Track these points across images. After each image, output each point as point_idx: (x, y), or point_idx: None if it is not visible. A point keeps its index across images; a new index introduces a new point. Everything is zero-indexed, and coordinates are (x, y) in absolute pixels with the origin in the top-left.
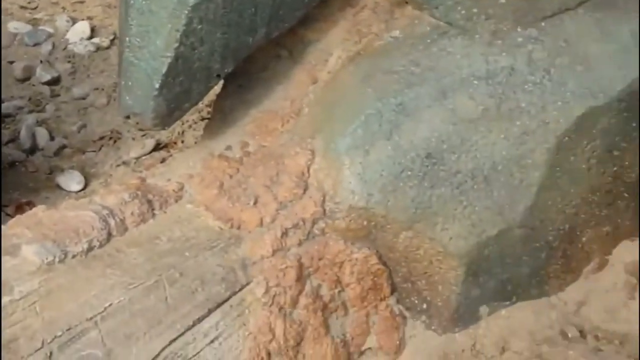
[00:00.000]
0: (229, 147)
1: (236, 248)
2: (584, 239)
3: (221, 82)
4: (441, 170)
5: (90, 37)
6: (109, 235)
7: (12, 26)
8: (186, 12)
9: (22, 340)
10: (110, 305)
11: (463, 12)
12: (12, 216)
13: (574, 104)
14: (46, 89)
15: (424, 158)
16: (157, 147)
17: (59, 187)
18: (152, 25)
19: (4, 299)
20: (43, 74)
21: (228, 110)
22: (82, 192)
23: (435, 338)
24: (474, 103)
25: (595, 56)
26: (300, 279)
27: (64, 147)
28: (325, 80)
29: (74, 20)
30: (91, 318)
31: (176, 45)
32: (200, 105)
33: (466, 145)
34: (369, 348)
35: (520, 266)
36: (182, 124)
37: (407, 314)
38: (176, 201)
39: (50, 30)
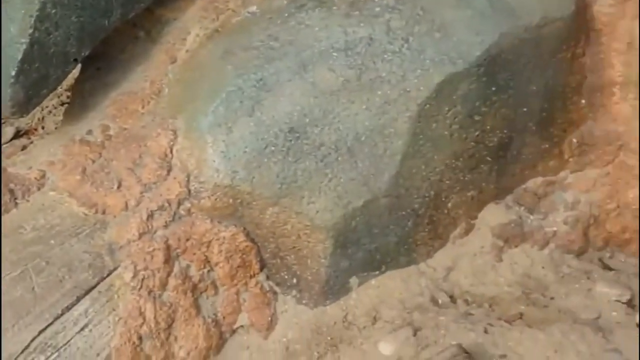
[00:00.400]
0: (90, 132)
1: (102, 233)
2: (449, 204)
3: (79, 65)
4: (305, 144)
5: None
6: None
7: None
8: None
9: None
10: None
11: None
12: None
13: (434, 71)
14: None
15: (287, 133)
16: (17, 134)
17: None
18: (5, 12)
19: None
20: None
21: (87, 94)
22: None
23: (306, 312)
24: (334, 75)
25: (452, 23)
26: (168, 260)
27: None
28: (184, 59)
29: None
30: None
31: (31, 31)
32: (59, 89)
33: (328, 117)
34: (241, 326)
35: (387, 235)
36: (42, 109)
37: (277, 289)
38: (39, 189)
39: None
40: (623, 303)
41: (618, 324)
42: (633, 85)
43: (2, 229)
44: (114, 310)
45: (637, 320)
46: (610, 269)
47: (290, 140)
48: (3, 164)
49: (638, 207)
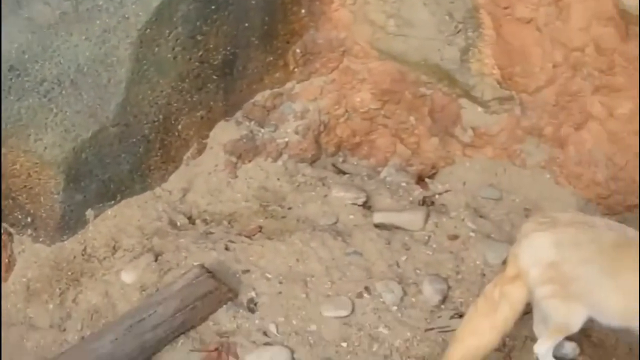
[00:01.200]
0: None
1: None
2: (179, 126)
3: None
4: (26, 81)
5: None
6: None
7: None
8: None
9: None
10: None
11: None
12: None
13: None
14: None
15: (6, 72)
16: None
17: None
18: None
19: None
20: None
21: None
22: None
23: (44, 249)
24: (50, 8)
25: None
26: None
27: None
28: None
29: None
30: None
31: None
32: None
33: (48, 52)
34: None
35: (120, 164)
36: None
37: (12, 230)
38: None
39: None
40: (359, 205)
41: (356, 226)
42: None
43: None
44: None
45: (374, 221)
46: (344, 173)
47: (11, 79)
48: None
49: None
